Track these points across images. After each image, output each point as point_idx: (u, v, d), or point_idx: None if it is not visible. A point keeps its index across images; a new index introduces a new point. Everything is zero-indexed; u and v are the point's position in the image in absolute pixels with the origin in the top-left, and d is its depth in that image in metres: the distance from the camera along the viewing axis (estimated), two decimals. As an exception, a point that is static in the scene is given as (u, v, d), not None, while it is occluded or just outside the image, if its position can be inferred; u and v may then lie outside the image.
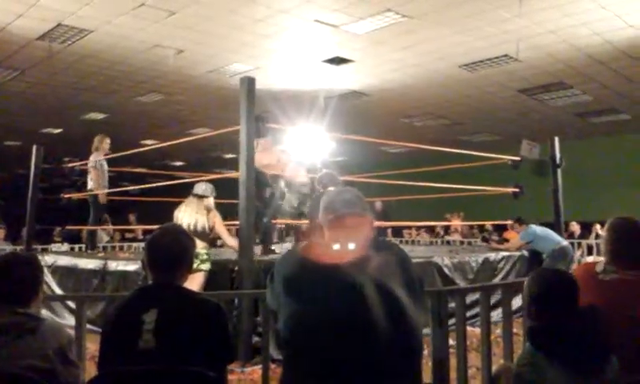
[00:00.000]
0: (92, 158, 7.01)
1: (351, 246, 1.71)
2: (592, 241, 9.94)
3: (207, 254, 4.92)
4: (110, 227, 9.69)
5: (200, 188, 5.19)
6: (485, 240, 10.75)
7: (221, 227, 5.12)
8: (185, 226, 4.79)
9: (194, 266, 4.66)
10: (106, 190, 6.99)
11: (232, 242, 5.26)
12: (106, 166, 7.08)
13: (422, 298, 1.90)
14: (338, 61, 8.30)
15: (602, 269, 2.24)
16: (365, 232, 1.85)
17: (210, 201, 5.18)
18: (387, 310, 1.66)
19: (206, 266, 4.85)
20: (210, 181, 5.38)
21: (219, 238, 5.63)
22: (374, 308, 1.65)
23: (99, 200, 6.97)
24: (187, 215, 5.01)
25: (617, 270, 2.19)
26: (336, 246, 1.72)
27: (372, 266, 1.71)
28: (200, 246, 4.70)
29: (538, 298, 1.99)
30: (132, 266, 5.56)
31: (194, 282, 4.64)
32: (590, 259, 8.48)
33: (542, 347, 1.87)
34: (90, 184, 7.04)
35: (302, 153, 7.79)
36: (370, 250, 1.77)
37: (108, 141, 7.08)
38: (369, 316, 1.64)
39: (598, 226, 10.18)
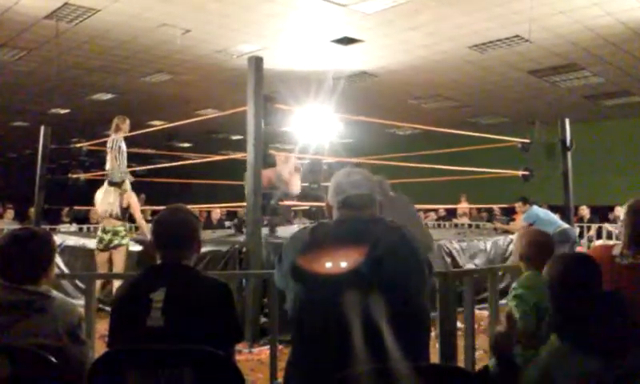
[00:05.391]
0: (111, 138, 6.93)
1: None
2: (606, 225, 9.79)
3: (125, 230, 5.71)
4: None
5: (116, 176, 5.85)
6: (489, 220, 10.73)
7: (135, 206, 5.85)
8: (101, 212, 5.73)
9: (116, 242, 5.54)
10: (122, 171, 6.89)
11: (142, 222, 6.20)
12: (124, 147, 7.00)
13: (429, 280, 1.88)
14: (346, 41, 8.20)
15: (618, 252, 2.16)
16: (372, 214, 1.84)
17: (127, 184, 5.86)
18: (393, 292, 1.66)
19: (126, 241, 5.64)
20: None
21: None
22: (379, 290, 1.64)
23: None
24: (105, 202, 5.72)
25: (634, 255, 2.11)
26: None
27: (378, 249, 1.70)
28: (118, 225, 5.62)
29: (560, 285, 1.88)
30: (138, 247, 5.80)
31: (119, 256, 5.55)
32: (599, 243, 8.43)
33: (568, 337, 1.75)
34: (108, 165, 6.97)
35: (309, 134, 7.76)
36: (376, 232, 1.75)
37: (128, 122, 7.00)
38: (374, 298, 1.63)
39: (618, 208, 9.99)
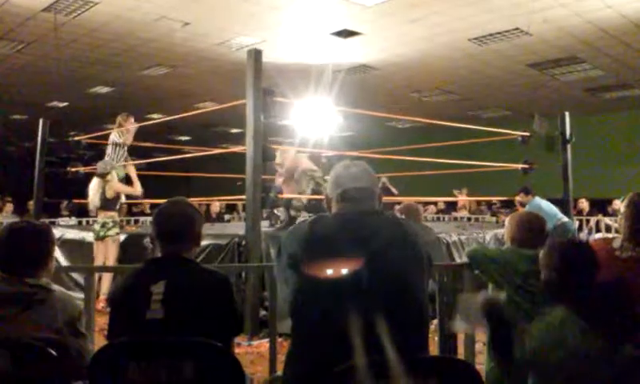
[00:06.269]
0: (113, 134, 6.92)
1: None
2: (605, 218, 9.78)
3: (113, 221, 5.73)
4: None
5: (100, 167, 5.97)
6: (494, 214, 10.71)
7: (117, 186, 5.94)
8: (91, 205, 5.89)
9: (102, 234, 5.54)
10: (120, 164, 6.91)
11: (129, 189, 6.14)
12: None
13: (429, 273, 1.88)
14: (346, 34, 8.17)
15: (619, 245, 2.17)
16: (372, 207, 1.84)
17: (112, 175, 5.94)
18: (392, 284, 1.66)
19: (113, 232, 5.64)
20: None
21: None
22: (378, 282, 1.65)
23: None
24: (92, 194, 5.87)
25: (634, 248, 2.12)
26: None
27: (378, 241, 1.70)
28: (107, 216, 5.68)
29: (556, 269, 1.85)
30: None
31: (108, 248, 5.56)
32: (598, 237, 8.43)
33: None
34: (107, 159, 6.97)
35: (308, 127, 7.74)
36: (376, 225, 1.75)
37: (132, 120, 7.00)
38: (373, 290, 1.63)
39: (616, 202, 9.98)
